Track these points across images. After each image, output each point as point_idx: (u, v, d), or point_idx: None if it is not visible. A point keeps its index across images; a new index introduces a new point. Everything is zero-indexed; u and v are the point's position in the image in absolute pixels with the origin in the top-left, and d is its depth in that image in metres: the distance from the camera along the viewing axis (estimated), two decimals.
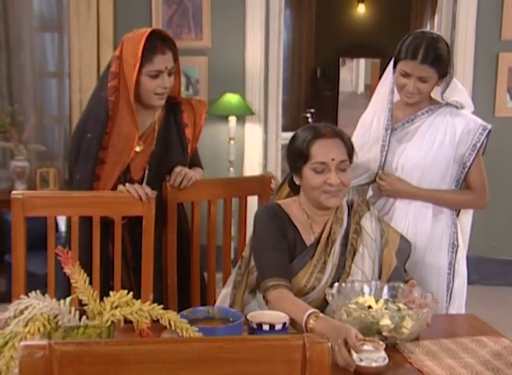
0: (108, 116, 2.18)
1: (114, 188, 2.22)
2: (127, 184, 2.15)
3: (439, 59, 2.21)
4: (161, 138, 2.30)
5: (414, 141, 2.31)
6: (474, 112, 2.40)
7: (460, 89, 2.36)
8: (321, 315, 1.68)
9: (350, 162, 1.99)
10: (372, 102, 2.47)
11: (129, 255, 2.30)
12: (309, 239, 1.98)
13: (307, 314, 1.67)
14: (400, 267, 2.02)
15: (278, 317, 1.68)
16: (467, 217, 2.43)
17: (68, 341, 1.32)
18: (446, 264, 2.33)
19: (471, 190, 2.34)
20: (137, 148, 2.24)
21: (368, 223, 2.02)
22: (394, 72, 2.29)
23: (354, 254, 1.97)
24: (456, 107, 2.32)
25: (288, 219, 1.98)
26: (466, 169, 2.30)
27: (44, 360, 0.95)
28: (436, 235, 2.32)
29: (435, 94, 2.35)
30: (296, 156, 1.96)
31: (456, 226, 2.36)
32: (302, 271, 1.93)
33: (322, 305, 1.90)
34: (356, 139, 2.39)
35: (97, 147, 2.19)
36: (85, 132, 2.21)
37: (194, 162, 2.42)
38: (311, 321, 1.65)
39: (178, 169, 2.27)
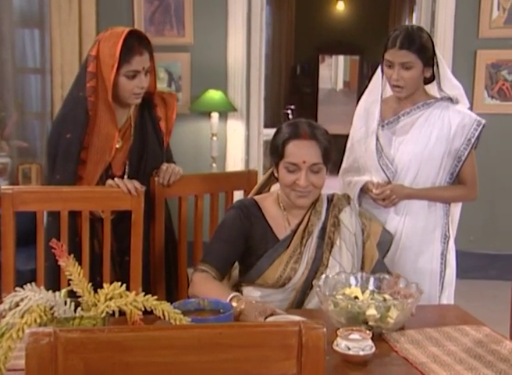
0: (88, 117, 2.18)
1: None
2: (116, 179, 2.17)
3: (417, 44, 2.27)
4: (137, 133, 2.32)
5: (410, 134, 2.36)
6: None
7: (454, 84, 2.41)
8: (242, 297, 1.81)
9: (326, 165, 2.00)
10: (367, 91, 2.51)
11: (115, 250, 2.31)
12: (283, 232, 2.03)
13: (230, 296, 1.79)
14: (381, 259, 2.08)
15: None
16: (456, 209, 2.50)
17: (73, 328, 1.35)
18: (439, 254, 2.40)
19: (463, 184, 2.40)
20: (117, 145, 2.25)
21: (347, 217, 2.06)
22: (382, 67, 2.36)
23: (332, 247, 2.02)
24: (452, 100, 2.37)
25: (261, 216, 2.04)
26: (460, 163, 2.36)
27: (50, 347, 0.97)
28: (430, 226, 2.38)
29: (432, 89, 2.40)
30: (273, 151, 2.02)
31: (448, 218, 2.43)
32: (276, 262, 1.99)
33: (299, 297, 1.97)
34: (354, 132, 2.49)
35: (78, 147, 2.18)
36: (63, 132, 2.20)
37: (168, 158, 2.44)
38: (234, 303, 1.75)
39: (164, 166, 2.30)
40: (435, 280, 2.40)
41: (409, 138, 2.37)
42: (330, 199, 2.10)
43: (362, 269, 2.05)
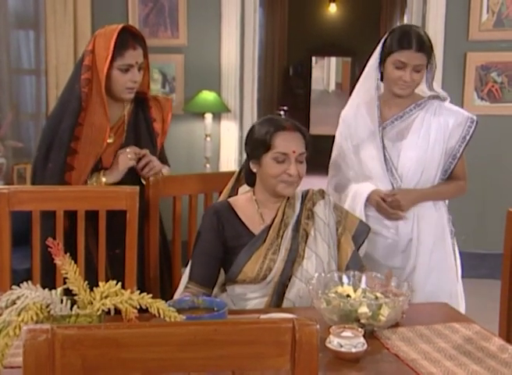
0: (80, 107, 2.24)
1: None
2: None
3: (429, 47, 2.27)
4: (130, 131, 2.37)
5: (409, 139, 2.36)
6: None
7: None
8: None
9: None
10: (354, 97, 2.48)
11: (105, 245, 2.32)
12: (258, 228, 2.07)
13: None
14: (356, 251, 2.12)
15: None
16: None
17: (70, 324, 1.37)
18: (451, 250, 2.44)
19: (457, 178, 2.42)
20: (109, 140, 2.31)
21: (321, 210, 2.10)
22: (381, 67, 2.33)
23: (307, 238, 2.06)
24: (440, 98, 2.38)
25: (234, 216, 2.08)
26: (455, 160, 2.38)
27: (47, 343, 0.98)
28: (440, 224, 2.41)
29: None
30: (258, 145, 2.04)
31: (449, 214, 2.45)
32: (255, 255, 2.02)
33: (278, 289, 2.00)
34: (343, 141, 2.45)
35: (69, 137, 2.25)
36: (59, 123, 2.27)
37: (162, 160, 2.48)
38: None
39: (144, 151, 2.35)
40: (453, 276, 2.43)
41: (408, 144, 2.36)
42: (305, 195, 2.14)
43: (339, 262, 2.09)
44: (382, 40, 2.34)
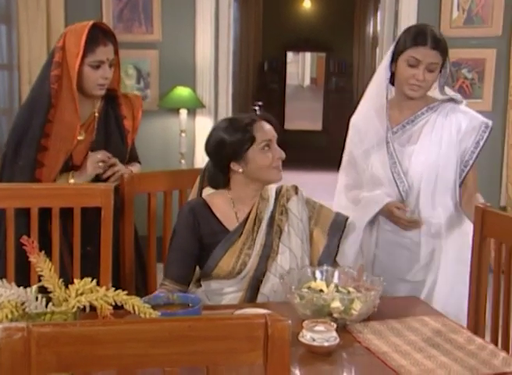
0: (50, 104, 2.24)
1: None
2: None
3: (444, 47, 2.20)
4: (101, 128, 2.38)
5: (420, 144, 2.27)
6: None
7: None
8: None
9: None
10: (363, 102, 2.40)
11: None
12: (234, 224, 2.09)
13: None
14: (330, 245, 2.13)
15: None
16: None
17: (45, 322, 1.37)
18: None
19: (468, 190, 2.31)
20: (80, 137, 2.31)
21: (295, 205, 2.13)
22: (392, 67, 2.25)
23: (281, 233, 2.09)
24: (455, 101, 2.29)
25: (209, 213, 2.09)
26: (468, 168, 2.27)
27: (23, 341, 0.99)
28: (466, 232, 2.23)
29: (431, 90, 2.30)
30: (240, 143, 2.04)
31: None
32: (230, 250, 2.05)
33: (253, 284, 2.03)
34: (354, 147, 2.39)
35: (39, 134, 2.24)
36: (29, 119, 2.26)
37: (132, 157, 2.50)
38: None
39: (113, 160, 2.35)
40: None
41: (419, 148, 2.27)
42: (278, 191, 2.17)
43: (310, 257, 2.11)
44: (400, 37, 2.26)
